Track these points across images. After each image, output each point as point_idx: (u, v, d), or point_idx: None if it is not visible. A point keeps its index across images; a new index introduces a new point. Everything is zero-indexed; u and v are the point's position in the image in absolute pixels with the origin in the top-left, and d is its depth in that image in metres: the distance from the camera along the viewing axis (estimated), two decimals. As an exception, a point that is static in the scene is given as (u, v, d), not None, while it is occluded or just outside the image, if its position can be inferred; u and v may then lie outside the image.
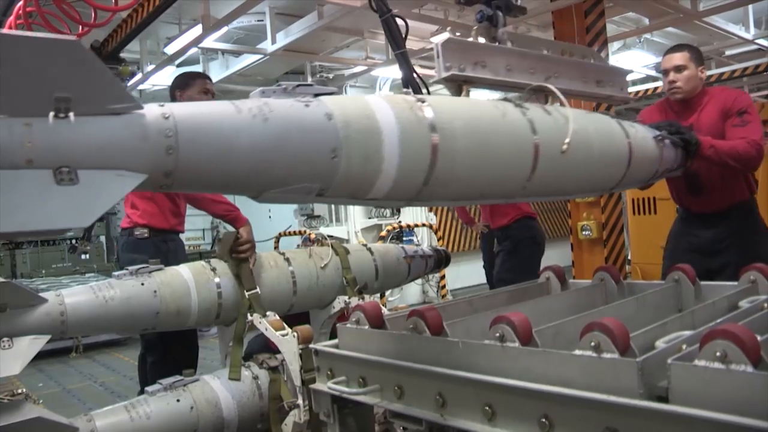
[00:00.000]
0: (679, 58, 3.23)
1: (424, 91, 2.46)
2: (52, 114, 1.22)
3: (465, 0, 2.37)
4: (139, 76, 7.81)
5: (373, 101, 1.69)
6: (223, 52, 8.34)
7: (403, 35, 2.69)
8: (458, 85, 2.12)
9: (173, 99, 3.80)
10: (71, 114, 1.22)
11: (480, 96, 2.35)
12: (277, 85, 1.62)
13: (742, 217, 3.27)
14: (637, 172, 2.42)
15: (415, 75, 2.84)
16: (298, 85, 1.62)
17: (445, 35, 2.09)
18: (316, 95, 1.63)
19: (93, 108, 1.26)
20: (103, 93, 1.26)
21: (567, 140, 2.02)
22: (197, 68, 8.86)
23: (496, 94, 2.56)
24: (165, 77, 8.51)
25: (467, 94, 2.13)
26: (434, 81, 2.19)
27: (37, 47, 1.19)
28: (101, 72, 1.25)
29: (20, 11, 4.57)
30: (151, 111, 1.35)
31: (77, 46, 1.21)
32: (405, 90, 1.98)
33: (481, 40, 2.21)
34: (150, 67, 7.85)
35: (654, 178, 2.66)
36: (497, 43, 2.22)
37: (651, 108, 3.48)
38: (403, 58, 3.02)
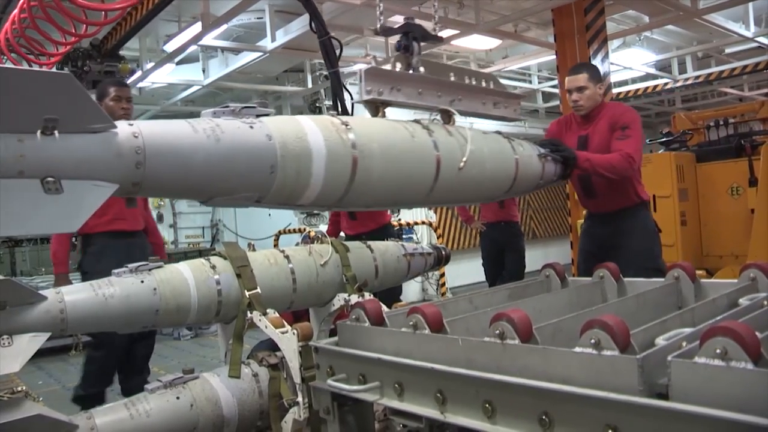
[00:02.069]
0: (580, 80, 3.62)
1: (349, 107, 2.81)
2: (39, 131, 1.44)
3: (383, 31, 2.69)
4: (138, 73, 7.81)
5: (305, 123, 1.98)
6: (223, 49, 8.33)
7: (338, 56, 3.04)
8: (376, 107, 2.46)
9: None
10: (56, 132, 1.45)
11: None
12: (225, 106, 1.89)
13: (631, 219, 3.67)
14: (522, 184, 2.85)
15: (345, 93, 3.16)
16: (244, 107, 1.90)
17: (367, 65, 2.47)
18: (258, 116, 1.91)
19: (75, 127, 1.48)
20: (85, 114, 1.49)
21: (464, 159, 2.43)
22: (197, 66, 8.87)
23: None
24: (164, 75, 8.52)
25: (383, 114, 2.46)
26: (355, 102, 2.55)
27: (31, 78, 1.44)
28: (84, 97, 1.49)
29: (15, 18, 4.56)
30: (123, 130, 1.59)
31: (65, 77, 1.46)
32: (331, 113, 2.32)
33: (399, 65, 2.55)
34: (149, 65, 7.85)
35: (537, 188, 3.11)
36: (412, 70, 2.56)
37: (560, 120, 3.97)
38: (335, 76, 3.50)
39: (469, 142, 2.47)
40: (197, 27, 6.51)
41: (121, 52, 6.87)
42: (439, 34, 2.81)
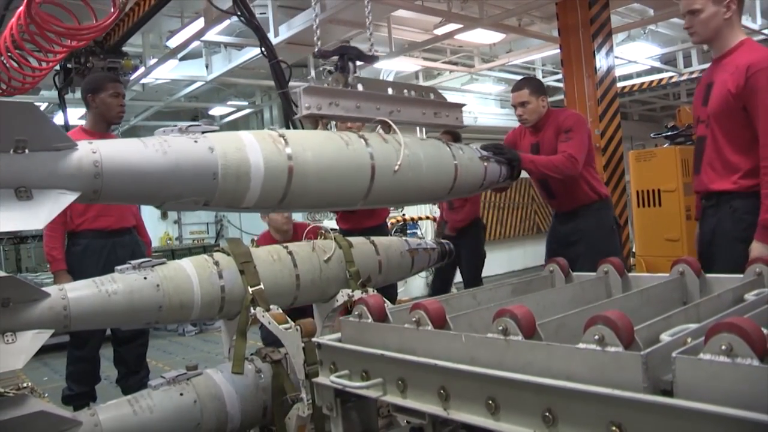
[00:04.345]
0: (523, 95, 3.90)
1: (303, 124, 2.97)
2: (12, 150, 1.76)
3: (320, 54, 2.96)
4: (141, 70, 7.81)
5: (245, 137, 2.27)
6: (226, 45, 8.32)
7: (287, 78, 3.35)
8: (315, 120, 2.74)
9: (86, 102, 3.88)
10: (26, 150, 1.78)
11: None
12: (174, 125, 2.19)
13: (589, 217, 3.94)
14: (464, 185, 3.08)
15: (295, 112, 3.54)
16: (190, 125, 2.20)
17: (307, 84, 2.75)
18: (204, 132, 2.20)
19: (42, 146, 1.81)
20: (50, 136, 1.83)
21: (399, 162, 2.67)
22: (200, 62, 8.86)
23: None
24: (167, 71, 8.51)
25: (323, 127, 2.75)
26: (296, 117, 2.75)
27: (1, 108, 1.75)
28: (48, 122, 1.85)
29: (13, 25, 4.60)
30: (83, 147, 1.92)
31: (32, 107, 1.78)
32: (271, 127, 2.52)
33: (336, 84, 2.80)
34: (152, 61, 7.85)
35: (482, 188, 3.36)
36: (350, 87, 2.81)
37: (515, 129, 4.22)
38: (284, 97, 3.86)
39: (403, 147, 2.71)
40: (200, 23, 6.50)
41: (124, 48, 6.85)
42: (375, 53, 3.15)
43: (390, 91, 2.99)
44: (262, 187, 2.25)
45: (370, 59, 3.09)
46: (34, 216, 1.76)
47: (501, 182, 3.50)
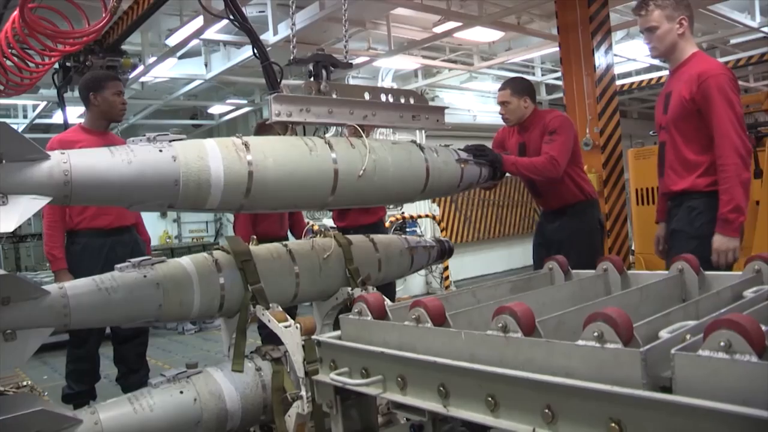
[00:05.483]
0: (504, 95, 4.01)
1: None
2: None
3: (294, 62, 3.08)
4: (140, 68, 7.80)
5: (208, 145, 2.41)
6: (225, 43, 8.30)
7: (279, 80, 3.38)
8: (285, 126, 2.83)
9: (86, 101, 3.88)
10: (3, 161, 1.98)
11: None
12: (143, 135, 2.34)
13: (575, 216, 4.00)
14: (438, 186, 3.18)
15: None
16: (158, 135, 2.35)
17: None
18: (171, 141, 2.35)
19: (17, 158, 2.02)
20: (24, 149, 2.03)
21: (363, 168, 2.76)
22: (199, 60, 8.84)
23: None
24: (167, 69, 8.51)
25: (293, 133, 2.83)
26: (270, 122, 2.81)
27: None
28: (21, 137, 2.02)
29: (8, 28, 4.62)
30: (55, 157, 2.10)
31: (5, 125, 1.97)
32: (238, 135, 2.57)
33: (311, 89, 2.91)
34: (152, 60, 7.84)
35: (459, 189, 3.43)
36: (322, 94, 2.91)
37: (504, 128, 4.27)
38: None
39: (369, 152, 2.80)
40: (199, 21, 6.50)
41: (123, 47, 6.85)
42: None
43: (367, 96, 3.06)
44: (223, 192, 2.39)
45: (345, 66, 3.16)
46: (7, 219, 1.94)
47: (482, 183, 3.55)
